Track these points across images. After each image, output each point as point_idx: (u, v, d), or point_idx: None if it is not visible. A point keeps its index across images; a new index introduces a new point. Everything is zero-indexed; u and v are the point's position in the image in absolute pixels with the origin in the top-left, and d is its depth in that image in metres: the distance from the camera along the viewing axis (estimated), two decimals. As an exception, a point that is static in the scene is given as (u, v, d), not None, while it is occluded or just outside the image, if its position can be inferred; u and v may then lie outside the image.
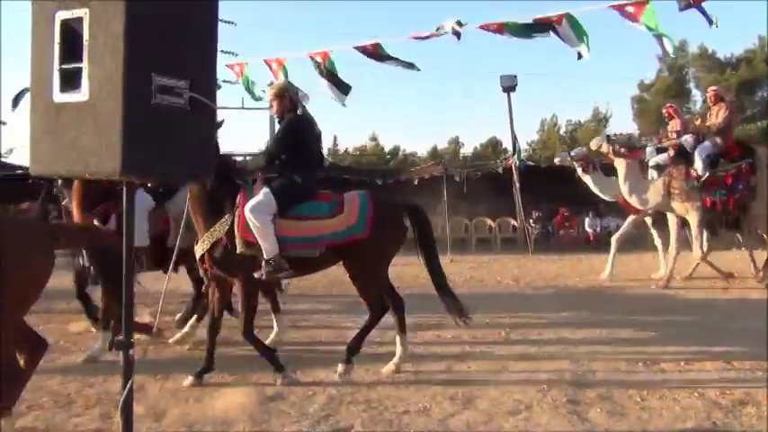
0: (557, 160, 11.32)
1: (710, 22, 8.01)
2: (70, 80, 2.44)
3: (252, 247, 4.66)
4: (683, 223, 9.69)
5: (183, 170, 2.67)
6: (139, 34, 2.34)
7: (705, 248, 9.60)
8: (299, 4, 64.76)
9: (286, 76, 11.11)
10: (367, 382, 4.71)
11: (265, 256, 4.64)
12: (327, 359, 5.33)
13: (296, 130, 4.91)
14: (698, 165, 9.26)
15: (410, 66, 10.20)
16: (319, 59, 10.42)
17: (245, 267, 4.72)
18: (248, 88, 12.13)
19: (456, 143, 42.08)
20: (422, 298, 8.69)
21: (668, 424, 3.82)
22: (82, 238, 4.74)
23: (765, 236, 9.78)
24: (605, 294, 8.90)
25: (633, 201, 9.97)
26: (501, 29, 9.00)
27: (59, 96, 2.47)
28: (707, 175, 9.16)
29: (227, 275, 4.87)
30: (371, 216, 4.80)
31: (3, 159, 26.11)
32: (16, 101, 11.67)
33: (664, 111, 10.90)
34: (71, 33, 2.44)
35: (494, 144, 40.21)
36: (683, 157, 9.51)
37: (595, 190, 10.58)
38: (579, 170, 10.49)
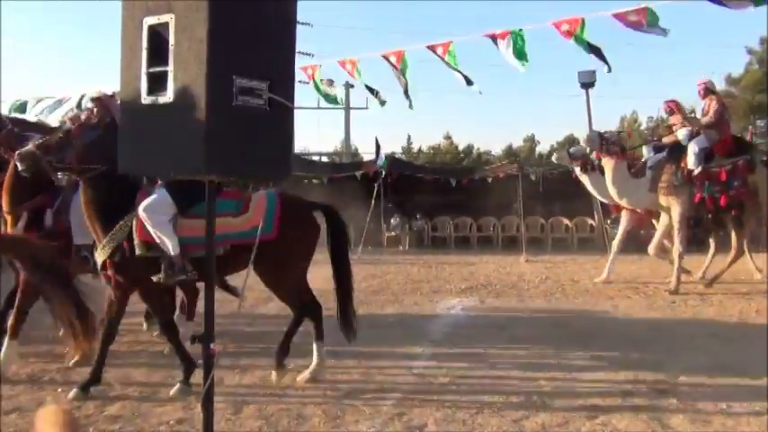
0: (554, 158, 10.80)
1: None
2: (157, 83, 2.55)
3: (150, 248, 4.37)
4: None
5: (263, 169, 2.74)
6: (222, 39, 2.42)
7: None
8: (373, 3, 65.24)
9: (360, 76, 11.22)
10: (440, 382, 4.70)
11: (168, 257, 4.37)
12: (401, 356, 5.37)
13: None
14: (690, 158, 8.86)
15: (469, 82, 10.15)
16: (393, 59, 10.44)
17: (147, 271, 4.41)
18: (320, 90, 12.21)
19: (532, 141, 41.38)
20: (500, 298, 8.64)
21: (756, 434, 3.67)
22: (12, 250, 4.60)
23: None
24: (687, 296, 8.56)
25: (624, 203, 9.64)
26: (573, 29, 8.78)
27: (146, 98, 2.58)
28: (699, 169, 8.74)
29: (130, 284, 4.60)
30: (279, 216, 4.57)
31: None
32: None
33: (664, 106, 10.16)
34: (157, 37, 2.54)
35: (571, 142, 39.29)
36: (679, 151, 9.13)
37: (593, 191, 10.14)
38: (577, 170, 10.06)
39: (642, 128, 42.00)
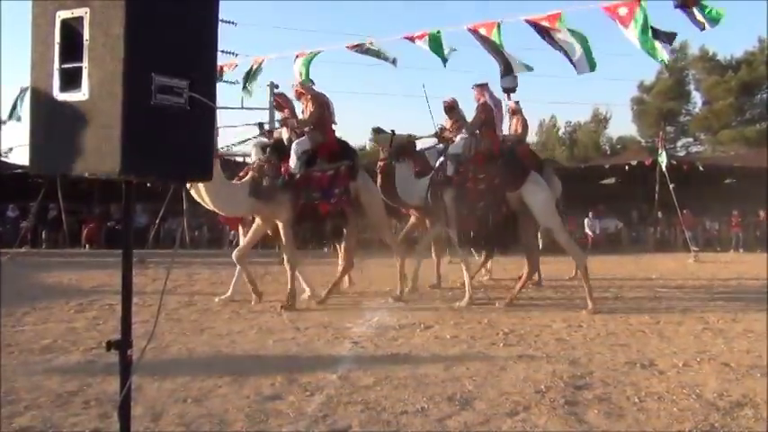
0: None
1: (704, 24, 7.63)
2: (70, 79, 2.44)
3: None
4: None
5: (183, 170, 2.67)
6: (139, 34, 2.34)
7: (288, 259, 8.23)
8: (293, 4, 65.12)
9: (252, 74, 11.45)
10: (365, 384, 4.71)
11: None
12: (325, 358, 5.36)
13: None
14: (292, 160, 8.02)
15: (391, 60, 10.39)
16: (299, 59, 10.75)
17: None
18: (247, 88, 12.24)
19: (456, 144, 42.02)
20: (424, 299, 8.73)
21: (666, 425, 3.83)
22: None
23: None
24: (603, 295, 8.89)
25: (218, 210, 8.15)
26: (490, 33, 9.04)
27: (59, 96, 2.47)
28: (300, 172, 7.98)
29: None
30: None
31: (2, 158, 26.16)
32: (12, 112, 11.68)
33: (273, 99, 9.22)
34: (71, 33, 2.44)
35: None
36: (278, 151, 8.24)
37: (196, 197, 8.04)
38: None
39: (560, 132, 43.42)
